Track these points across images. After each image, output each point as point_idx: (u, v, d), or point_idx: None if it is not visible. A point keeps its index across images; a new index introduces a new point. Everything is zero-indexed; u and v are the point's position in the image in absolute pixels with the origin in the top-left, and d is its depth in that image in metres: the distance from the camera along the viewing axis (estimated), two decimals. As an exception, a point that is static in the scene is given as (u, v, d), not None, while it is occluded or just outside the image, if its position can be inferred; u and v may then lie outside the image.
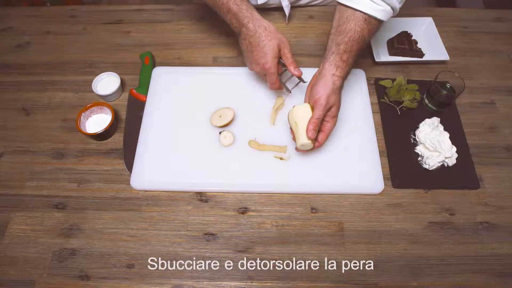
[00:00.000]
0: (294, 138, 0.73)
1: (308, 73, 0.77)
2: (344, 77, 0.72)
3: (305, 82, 0.76)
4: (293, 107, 0.72)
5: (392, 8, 0.71)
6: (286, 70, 0.77)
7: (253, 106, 0.83)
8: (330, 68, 0.70)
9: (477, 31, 1.00)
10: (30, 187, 0.74)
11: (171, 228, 0.70)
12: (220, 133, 0.78)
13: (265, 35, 0.72)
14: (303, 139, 0.69)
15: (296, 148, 0.74)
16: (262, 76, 0.81)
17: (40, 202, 0.73)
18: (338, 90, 0.71)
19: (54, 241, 0.69)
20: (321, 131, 0.72)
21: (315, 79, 0.73)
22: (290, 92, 0.79)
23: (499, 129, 0.83)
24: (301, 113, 0.71)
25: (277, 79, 0.76)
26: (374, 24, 0.71)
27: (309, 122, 0.69)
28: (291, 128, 0.75)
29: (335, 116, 0.72)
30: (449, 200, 0.73)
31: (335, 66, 0.70)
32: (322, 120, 0.71)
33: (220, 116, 0.80)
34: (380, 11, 0.69)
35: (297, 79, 0.76)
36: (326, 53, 0.72)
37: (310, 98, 0.71)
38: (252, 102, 0.83)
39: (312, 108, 0.70)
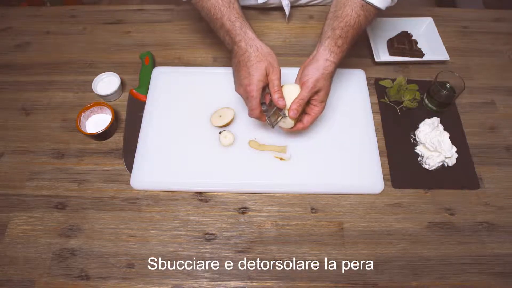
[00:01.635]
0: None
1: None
2: (338, 63, 0.70)
3: (287, 116, 0.69)
4: (283, 85, 0.70)
5: None
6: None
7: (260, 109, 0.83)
8: (324, 53, 0.69)
9: (477, 31, 1.00)
10: (30, 187, 0.74)
11: (171, 228, 0.70)
12: (220, 133, 0.78)
13: (255, 56, 0.68)
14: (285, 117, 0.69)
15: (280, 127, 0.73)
16: (244, 100, 0.72)
17: (40, 202, 0.73)
18: (329, 76, 0.69)
19: (54, 241, 0.69)
20: (307, 114, 0.72)
21: (308, 61, 0.71)
22: (273, 127, 0.73)
23: (499, 129, 0.83)
24: (288, 92, 0.69)
25: (258, 106, 0.68)
26: (371, 11, 0.70)
27: (293, 101, 0.68)
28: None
29: (323, 101, 0.71)
30: (449, 200, 0.73)
31: (329, 51, 0.68)
32: (309, 104, 0.70)
33: (220, 116, 0.80)
34: None
35: (280, 112, 0.70)
36: (322, 37, 0.71)
37: (300, 80, 0.70)
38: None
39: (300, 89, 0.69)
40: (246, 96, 0.70)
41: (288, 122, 0.70)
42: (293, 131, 0.75)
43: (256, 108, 0.69)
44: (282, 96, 0.68)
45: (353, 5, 0.69)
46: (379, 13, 0.72)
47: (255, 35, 0.70)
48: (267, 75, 0.68)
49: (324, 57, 0.69)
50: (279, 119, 0.71)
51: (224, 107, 0.81)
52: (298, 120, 0.72)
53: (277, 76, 0.69)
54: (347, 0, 0.69)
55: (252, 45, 0.69)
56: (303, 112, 0.72)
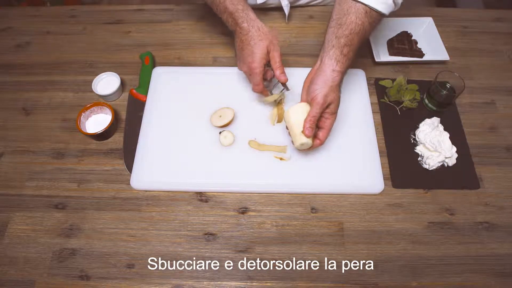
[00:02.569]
0: (292, 139, 0.72)
1: (307, 74, 0.77)
2: (344, 72, 0.69)
3: (289, 90, 0.75)
4: (288, 109, 0.71)
5: (394, 2, 0.69)
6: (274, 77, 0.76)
7: (253, 106, 0.83)
8: (330, 63, 0.68)
9: (477, 31, 1.00)
10: (30, 187, 0.74)
11: (171, 228, 0.70)
12: (220, 133, 0.78)
13: (257, 35, 0.72)
14: (302, 138, 0.68)
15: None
16: (248, 77, 0.79)
17: (40, 202, 0.73)
18: (338, 87, 0.69)
19: (54, 241, 0.69)
20: (321, 128, 0.71)
21: (314, 73, 0.70)
22: (275, 101, 0.78)
23: (499, 129, 0.83)
24: (297, 113, 0.69)
25: (260, 81, 0.74)
26: (375, 18, 0.69)
27: (305, 120, 0.68)
28: (287, 128, 0.73)
29: (335, 113, 0.70)
30: (449, 200, 0.73)
31: (335, 61, 0.67)
32: (321, 117, 0.70)
33: (220, 116, 0.80)
34: (381, 3, 0.67)
35: (281, 86, 0.75)
36: (325, 46, 0.69)
37: (308, 95, 0.70)
38: (252, 102, 0.83)
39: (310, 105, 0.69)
40: (249, 73, 0.75)
41: (306, 144, 0.69)
42: (312, 149, 0.74)
43: (259, 83, 0.74)
44: (283, 72, 0.73)
45: (357, 12, 0.67)
46: (382, 18, 0.71)
47: (256, 16, 0.75)
48: (268, 52, 0.73)
49: (330, 67, 0.68)
50: (282, 91, 0.76)
51: (224, 107, 0.81)
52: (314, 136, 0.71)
53: (278, 53, 0.73)
54: (350, 7, 0.68)
55: (254, 26, 0.73)
56: (316, 126, 0.71)
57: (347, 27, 0.67)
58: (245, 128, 0.80)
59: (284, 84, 0.74)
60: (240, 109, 0.82)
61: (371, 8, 0.67)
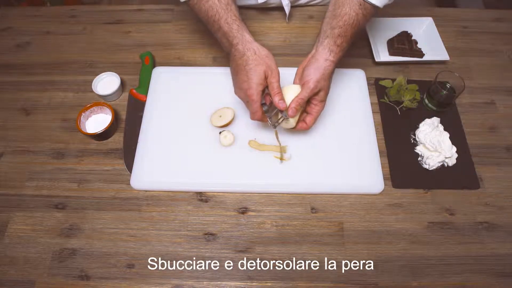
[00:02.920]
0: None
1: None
2: (337, 62, 0.70)
3: (288, 118, 0.69)
4: (283, 87, 0.71)
5: None
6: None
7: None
8: (324, 53, 0.69)
9: (477, 31, 1.00)
10: (30, 187, 0.74)
11: (171, 228, 0.70)
12: (220, 133, 0.78)
13: (253, 59, 0.68)
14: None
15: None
16: (245, 103, 0.74)
17: (40, 202, 0.73)
18: (329, 75, 0.70)
19: (54, 241, 0.69)
20: (309, 113, 0.72)
21: (308, 60, 0.71)
22: (275, 127, 0.73)
23: (499, 129, 0.83)
24: (289, 93, 0.70)
25: (259, 108, 0.70)
26: (369, 10, 0.70)
27: (292, 100, 0.68)
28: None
29: (323, 101, 0.71)
30: (449, 200, 0.73)
31: (329, 51, 0.69)
32: (310, 103, 0.71)
33: (220, 116, 0.80)
34: None
35: (280, 113, 0.70)
36: (320, 36, 0.71)
37: (300, 80, 0.71)
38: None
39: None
40: (246, 100, 0.71)
41: (290, 123, 0.70)
42: (296, 131, 0.75)
43: (257, 111, 0.70)
44: (282, 99, 0.68)
45: (351, 3, 0.69)
46: (377, 11, 0.72)
47: (252, 38, 0.71)
48: (266, 77, 0.69)
49: (324, 56, 0.69)
50: (280, 120, 0.71)
51: (224, 107, 0.81)
52: (299, 120, 0.73)
53: (276, 78, 0.69)
54: None
55: (250, 48, 0.69)
56: (304, 111, 0.73)
57: (341, 18, 0.68)
58: (245, 128, 0.80)
59: (282, 112, 0.70)
60: (240, 109, 0.82)
61: (365, 1, 0.68)
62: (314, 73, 0.68)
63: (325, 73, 0.69)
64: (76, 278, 0.65)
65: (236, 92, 0.74)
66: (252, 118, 0.72)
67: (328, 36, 0.69)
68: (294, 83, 0.74)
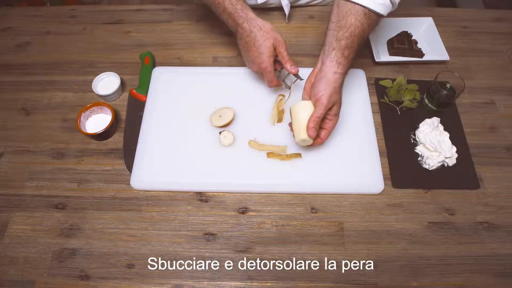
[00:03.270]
0: (294, 134, 0.73)
1: (307, 73, 0.77)
2: (345, 74, 0.71)
3: (302, 79, 0.76)
4: (296, 104, 0.72)
5: (392, 3, 0.70)
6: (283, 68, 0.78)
7: (253, 106, 0.83)
8: (332, 65, 0.69)
9: (477, 31, 1.00)
10: (30, 187, 0.74)
11: (171, 228, 0.70)
12: (220, 133, 0.78)
13: (260, 35, 0.73)
14: (303, 135, 0.69)
15: (297, 143, 0.74)
16: (260, 75, 0.82)
17: (40, 202, 0.73)
18: (339, 88, 0.70)
19: (54, 241, 0.69)
20: (323, 128, 0.72)
21: (315, 76, 0.71)
22: (290, 88, 0.80)
23: (499, 129, 0.83)
24: (303, 109, 0.70)
25: (274, 77, 0.77)
26: (374, 19, 0.70)
27: (309, 120, 0.69)
28: (290, 124, 0.76)
29: (337, 115, 0.72)
30: (449, 200, 0.73)
31: (336, 63, 0.68)
32: (324, 119, 0.71)
33: (220, 116, 0.80)
34: (379, 4, 0.68)
35: (294, 76, 0.77)
36: (326, 48, 0.70)
37: (312, 97, 0.71)
38: (252, 102, 0.83)
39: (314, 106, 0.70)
40: (261, 72, 0.78)
41: (307, 141, 0.71)
42: (312, 147, 0.76)
43: (273, 79, 0.78)
44: (293, 64, 0.75)
45: (356, 14, 0.68)
46: (381, 19, 0.72)
47: (255, 15, 0.75)
48: (275, 49, 0.75)
49: (332, 70, 0.69)
50: (294, 80, 0.78)
51: (224, 107, 0.81)
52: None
53: (284, 47, 0.75)
54: (350, 8, 0.68)
55: (255, 25, 0.74)
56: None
57: (347, 29, 0.68)
58: (245, 128, 0.80)
59: (296, 75, 0.76)
60: (240, 109, 0.82)
61: (369, 10, 0.68)
62: (325, 89, 0.68)
63: (335, 87, 0.69)
64: (76, 278, 0.65)
65: (249, 67, 0.81)
66: (270, 85, 0.80)
67: (334, 48, 0.69)
68: (302, 99, 0.74)
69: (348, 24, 0.68)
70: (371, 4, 0.67)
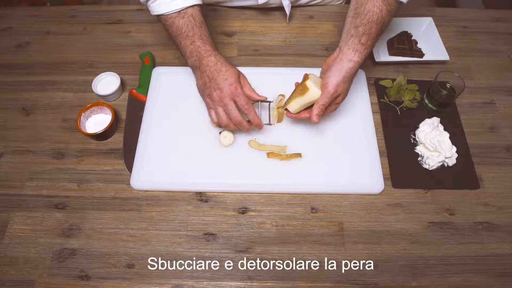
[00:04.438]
0: (290, 95, 0.72)
1: (311, 71, 0.76)
2: (362, 62, 0.70)
3: (271, 102, 0.76)
4: (310, 76, 0.70)
5: None
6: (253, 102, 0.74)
7: (253, 106, 0.82)
8: (349, 53, 0.68)
9: (477, 31, 1.00)
10: (30, 187, 0.74)
11: (171, 228, 0.70)
12: (220, 133, 0.78)
13: (226, 65, 0.71)
14: (293, 107, 0.71)
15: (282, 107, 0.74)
16: (222, 107, 0.71)
17: (40, 202, 0.73)
18: (351, 78, 0.70)
19: (54, 241, 0.69)
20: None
21: (333, 59, 0.70)
22: (271, 124, 0.78)
23: (499, 129, 0.83)
24: (316, 84, 0.69)
25: (249, 103, 0.71)
26: (393, 5, 0.69)
27: (314, 107, 0.69)
28: (296, 84, 0.74)
29: (339, 103, 0.72)
30: (449, 200, 0.73)
31: (353, 51, 0.68)
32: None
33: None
34: None
35: (265, 104, 0.76)
36: (345, 36, 0.70)
37: (323, 77, 0.70)
38: (253, 102, 0.83)
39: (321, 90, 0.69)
40: (231, 97, 0.70)
41: (294, 110, 0.71)
42: (301, 118, 0.73)
43: (249, 105, 0.71)
44: (258, 94, 0.73)
45: (374, 0, 0.68)
46: (401, 6, 0.71)
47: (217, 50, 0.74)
48: (240, 79, 0.72)
49: (348, 57, 0.68)
50: (272, 112, 0.75)
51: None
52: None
53: (247, 80, 0.74)
54: None
55: (220, 58, 0.72)
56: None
57: (365, 16, 0.68)
58: (245, 128, 0.79)
59: (265, 100, 0.75)
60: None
61: None
62: (335, 75, 0.68)
63: (346, 76, 0.68)
64: (76, 278, 0.65)
65: (210, 96, 0.72)
66: (254, 121, 0.72)
67: (352, 35, 0.68)
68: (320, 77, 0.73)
69: (366, 11, 0.68)
70: None
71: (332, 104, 0.71)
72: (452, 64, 0.92)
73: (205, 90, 0.73)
